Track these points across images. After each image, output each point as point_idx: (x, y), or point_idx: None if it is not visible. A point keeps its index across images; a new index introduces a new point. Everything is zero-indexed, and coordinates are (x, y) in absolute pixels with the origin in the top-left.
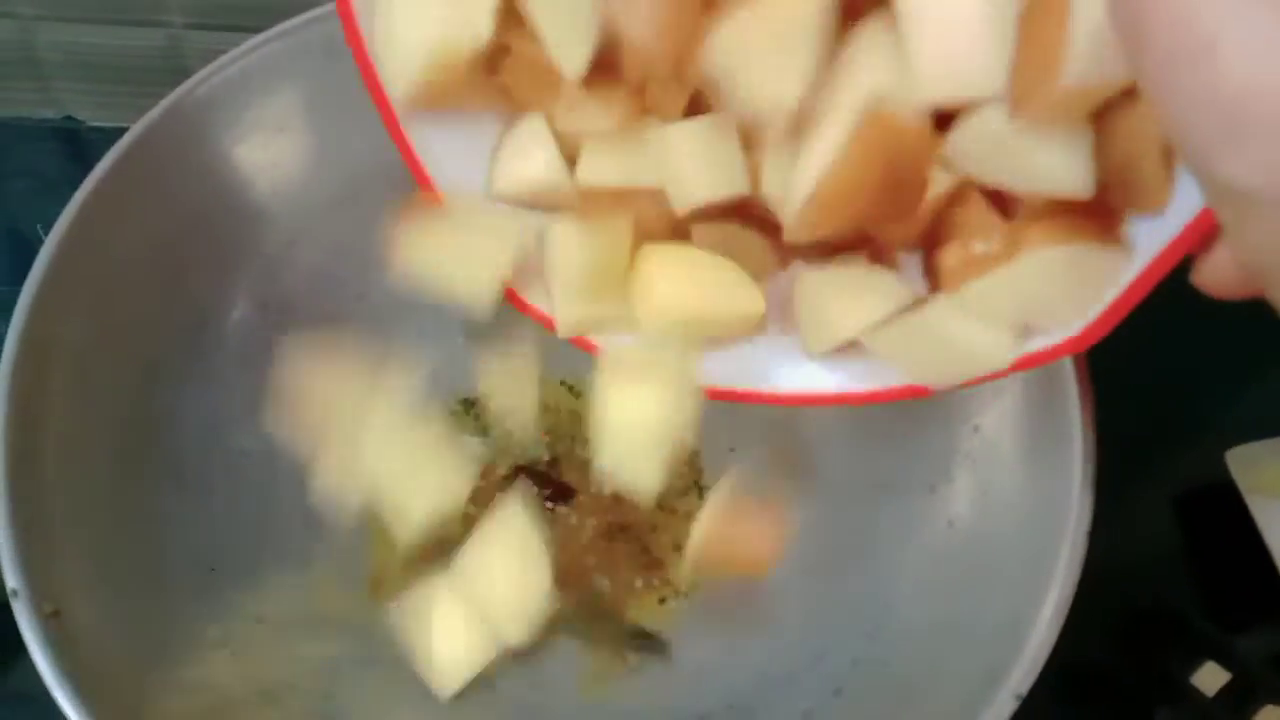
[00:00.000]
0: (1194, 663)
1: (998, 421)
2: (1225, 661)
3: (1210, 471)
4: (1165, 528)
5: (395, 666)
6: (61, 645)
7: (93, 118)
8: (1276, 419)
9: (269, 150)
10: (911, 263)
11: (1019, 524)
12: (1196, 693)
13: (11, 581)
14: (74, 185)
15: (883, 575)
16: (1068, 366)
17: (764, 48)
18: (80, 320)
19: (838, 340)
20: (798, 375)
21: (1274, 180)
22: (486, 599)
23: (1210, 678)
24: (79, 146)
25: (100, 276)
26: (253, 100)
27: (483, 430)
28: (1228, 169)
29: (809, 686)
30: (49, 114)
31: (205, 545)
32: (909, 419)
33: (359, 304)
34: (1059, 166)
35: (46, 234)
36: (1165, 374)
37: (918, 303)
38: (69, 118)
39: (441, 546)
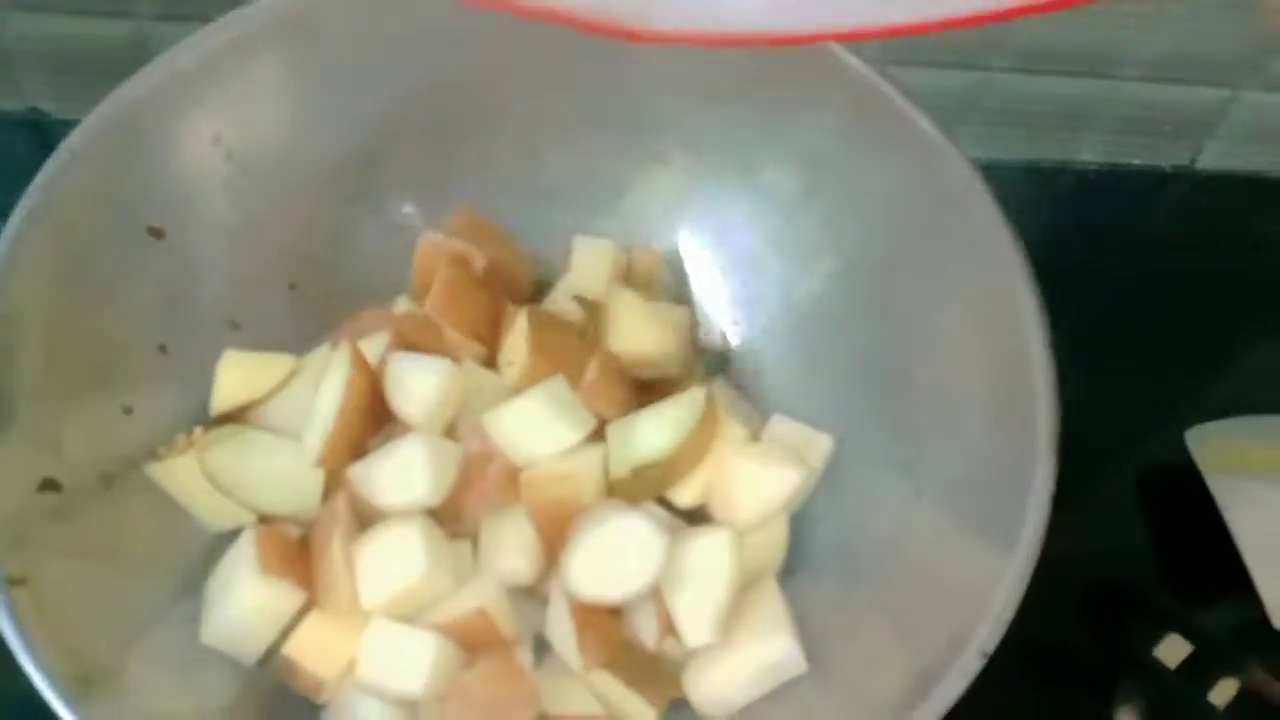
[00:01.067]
0: (1156, 636)
1: (967, 395)
2: (1188, 634)
3: (1173, 454)
4: (1129, 507)
5: None
6: (28, 613)
7: (58, 110)
8: (1238, 404)
9: (239, 129)
10: None
11: (985, 491)
12: (1158, 664)
13: None
14: None
15: (848, 543)
16: (1033, 340)
17: None
18: (48, 295)
19: None
20: None
21: None
22: None
23: (1172, 650)
24: (44, 139)
25: (68, 252)
26: (221, 78)
27: None
28: None
29: None
30: (14, 106)
31: (176, 517)
32: (883, 395)
33: (328, 283)
34: None
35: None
36: (1129, 360)
37: None
38: (34, 109)
39: None
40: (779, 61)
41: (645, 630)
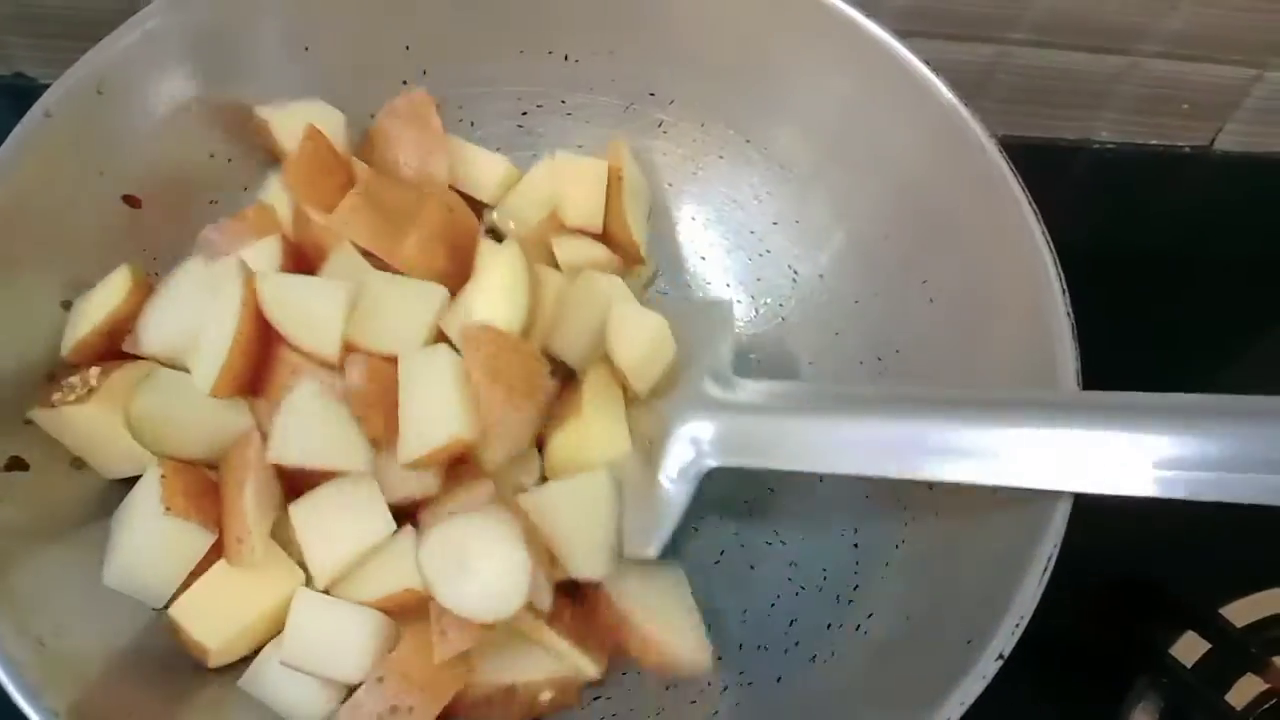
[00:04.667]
0: (1173, 634)
1: (986, 376)
2: (1205, 632)
3: None
4: (1147, 498)
5: None
6: None
7: (43, 76)
8: (1248, 389)
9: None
10: None
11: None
12: (1175, 663)
13: None
14: None
15: (856, 538)
16: (1056, 321)
17: None
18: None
19: None
20: None
21: None
22: None
23: (1189, 648)
24: (28, 104)
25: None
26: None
27: None
28: None
29: (779, 654)
30: None
31: None
32: (896, 374)
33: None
34: None
35: None
36: (1139, 343)
37: None
38: (19, 75)
39: None
40: (788, 29)
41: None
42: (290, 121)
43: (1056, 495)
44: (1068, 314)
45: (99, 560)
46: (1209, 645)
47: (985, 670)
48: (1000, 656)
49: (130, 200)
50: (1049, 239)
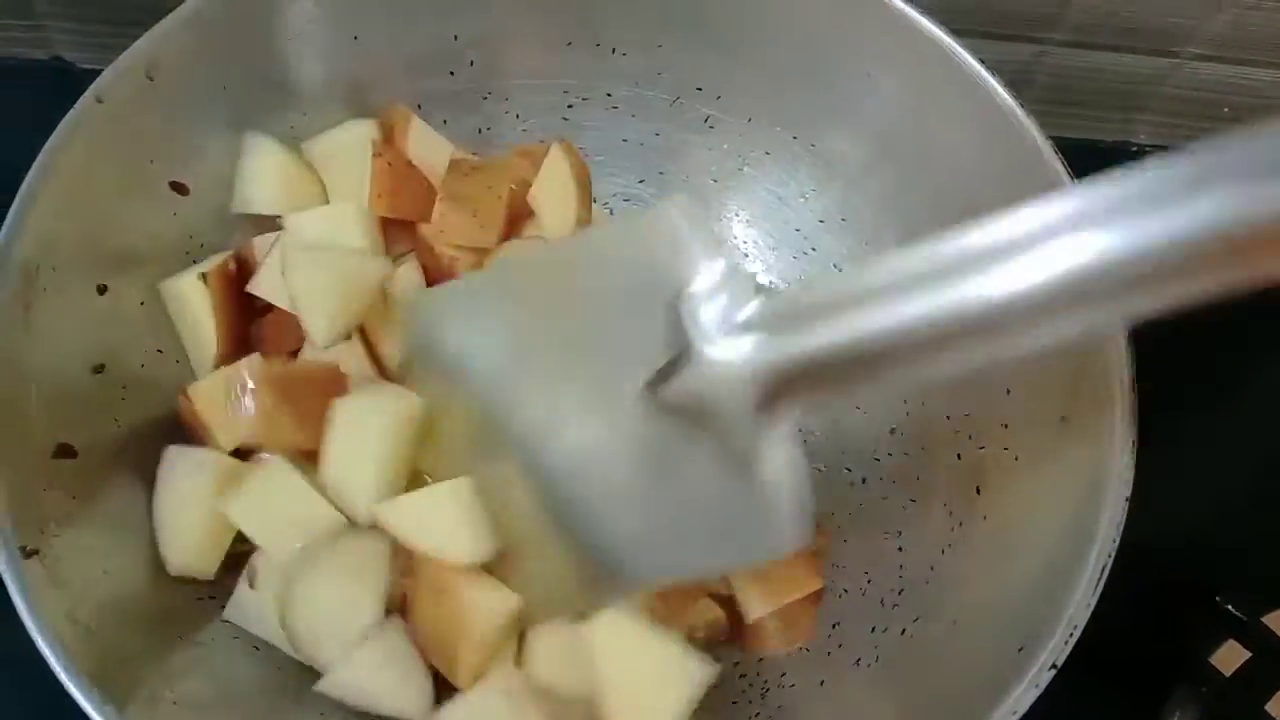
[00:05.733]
0: (1213, 642)
1: (1032, 386)
2: (1246, 640)
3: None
4: (1189, 504)
5: None
6: (40, 586)
7: (82, 59)
8: None
9: None
10: None
11: (1053, 489)
12: (1215, 671)
13: None
14: None
15: (900, 541)
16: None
17: None
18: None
19: None
20: None
21: None
22: None
23: (1229, 656)
24: (68, 88)
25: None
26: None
27: None
28: None
29: (823, 656)
30: (39, 54)
31: None
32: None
33: None
34: None
35: None
36: (1180, 350)
37: None
38: (58, 58)
39: None
40: (840, 23)
41: None
42: (329, 152)
43: (1107, 501)
44: None
45: (144, 545)
46: (1249, 654)
47: (1039, 679)
48: (1054, 666)
49: (177, 187)
50: None
